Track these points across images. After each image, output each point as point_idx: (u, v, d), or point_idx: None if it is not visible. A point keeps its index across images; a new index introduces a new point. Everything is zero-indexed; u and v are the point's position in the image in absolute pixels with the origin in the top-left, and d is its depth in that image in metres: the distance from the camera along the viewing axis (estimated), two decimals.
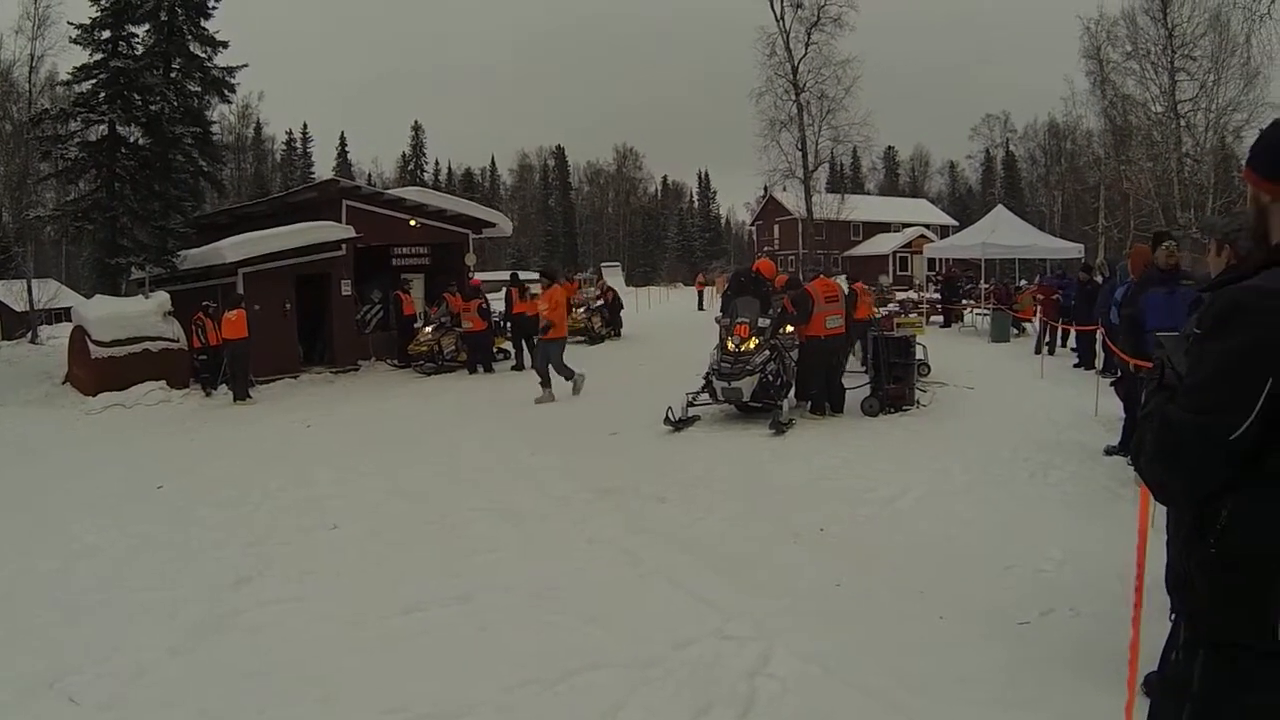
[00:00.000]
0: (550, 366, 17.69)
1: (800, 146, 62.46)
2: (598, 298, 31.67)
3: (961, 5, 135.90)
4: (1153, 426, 2.48)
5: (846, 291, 15.86)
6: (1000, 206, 38.83)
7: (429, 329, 23.96)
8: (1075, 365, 20.05)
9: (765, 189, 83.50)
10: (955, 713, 4.90)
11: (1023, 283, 37.13)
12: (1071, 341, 22.54)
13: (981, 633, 5.93)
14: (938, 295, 35.18)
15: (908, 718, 4.87)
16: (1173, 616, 2.99)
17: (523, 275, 28.19)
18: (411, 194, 28.31)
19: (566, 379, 17.73)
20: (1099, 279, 20.88)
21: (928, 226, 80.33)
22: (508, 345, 24.85)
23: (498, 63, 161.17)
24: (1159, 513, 5.33)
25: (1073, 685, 5.11)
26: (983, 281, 34.62)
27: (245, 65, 27.08)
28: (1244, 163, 2.60)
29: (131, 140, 25.02)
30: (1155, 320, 9.18)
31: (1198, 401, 2.34)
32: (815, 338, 14.40)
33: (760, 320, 14.53)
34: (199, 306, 22.08)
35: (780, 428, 13.30)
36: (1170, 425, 2.39)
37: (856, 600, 6.62)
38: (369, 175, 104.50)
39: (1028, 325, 27.80)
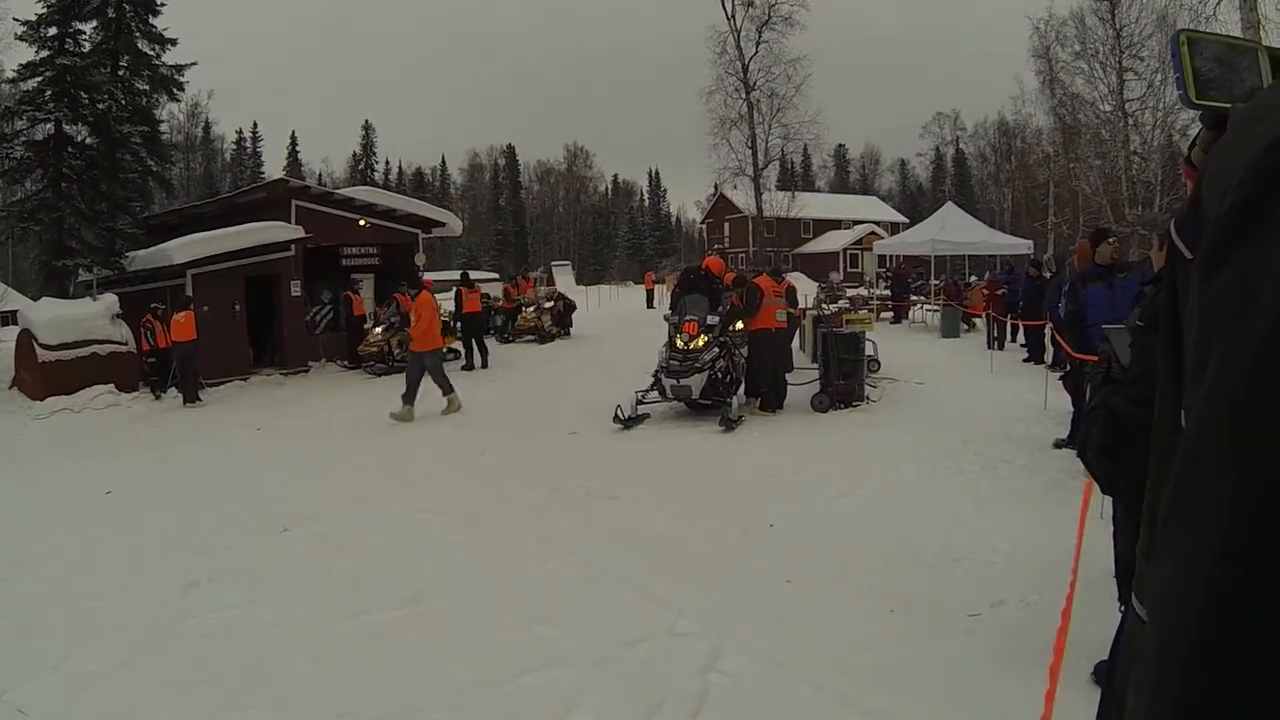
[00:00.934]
0: (431, 379, 16.13)
1: (750, 144, 62.81)
2: (548, 300, 31.58)
3: (911, 3, 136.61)
4: (1098, 420, 2.50)
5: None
6: (950, 204, 39.07)
7: (379, 330, 23.79)
8: (1025, 360, 20.22)
9: (716, 187, 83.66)
10: (907, 706, 4.93)
11: (973, 279, 37.37)
12: (1021, 337, 22.68)
13: (932, 626, 5.98)
14: (888, 291, 35.39)
15: (858, 712, 4.90)
16: (1121, 607, 3.02)
17: (473, 275, 28.23)
18: (361, 194, 28.13)
19: (446, 391, 16.34)
20: (1047, 274, 21.10)
21: (878, 223, 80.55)
22: (458, 345, 24.73)
23: (450, 62, 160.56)
24: (1106, 505, 5.40)
25: (1023, 676, 5.14)
26: (933, 278, 34.80)
27: (194, 63, 26.83)
28: (1183, 160, 2.61)
29: (78, 139, 24.72)
30: (1096, 315, 9.29)
31: (1142, 393, 2.36)
32: (765, 330, 14.51)
33: (709, 318, 14.57)
34: (147, 309, 21.88)
35: (729, 424, 13.38)
36: (1115, 418, 2.41)
37: (806, 596, 6.65)
38: (319, 175, 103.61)
39: (978, 321, 28.00)
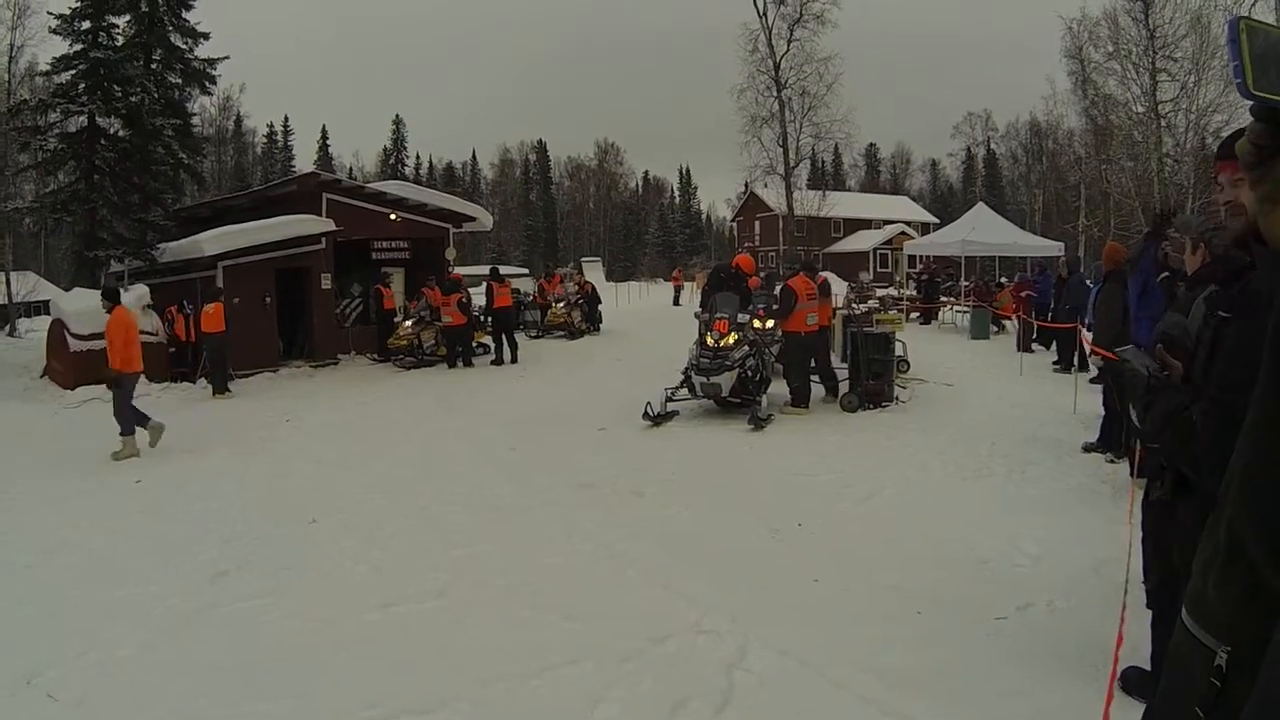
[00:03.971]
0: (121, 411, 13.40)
1: (781, 143, 62.77)
2: (577, 293, 31.65)
3: (943, 3, 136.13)
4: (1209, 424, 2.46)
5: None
6: (981, 204, 38.85)
7: (409, 323, 23.92)
8: (1055, 365, 19.90)
9: (746, 185, 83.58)
10: (932, 707, 4.90)
11: (1003, 280, 37.17)
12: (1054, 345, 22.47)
13: (958, 628, 5.95)
14: (915, 292, 35.26)
15: (884, 712, 4.88)
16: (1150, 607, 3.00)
17: (503, 270, 28.34)
18: (392, 188, 28.26)
19: (124, 431, 13.29)
20: (1064, 274, 21.16)
21: (909, 223, 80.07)
22: (488, 340, 24.84)
23: (481, 57, 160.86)
24: (1136, 510, 5.36)
25: (1050, 679, 5.13)
26: (963, 279, 34.64)
27: (226, 57, 27.11)
28: (1216, 157, 2.54)
29: (111, 132, 25.00)
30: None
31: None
32: (795, 334, 14.48)
33: (739, 316, 14.55)
34: (175, 302, 22.06)
35: (759, 423, 13.35)
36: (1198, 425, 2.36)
37: (833, 595, 6.63)
38: (350, 169, 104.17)
39: (1008, 323, 27.86)
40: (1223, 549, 1.71)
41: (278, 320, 23.89)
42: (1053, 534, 7.86)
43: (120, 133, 25.05)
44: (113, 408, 13.45)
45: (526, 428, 14.23)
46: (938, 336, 27.50)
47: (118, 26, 25.13)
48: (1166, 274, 8.97)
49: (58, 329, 20.90)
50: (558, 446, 12.73)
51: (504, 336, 23.90)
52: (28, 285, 39.21)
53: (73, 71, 24.34)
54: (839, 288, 30.66)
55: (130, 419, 13.43)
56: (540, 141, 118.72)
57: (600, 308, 32.11)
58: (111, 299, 13.96)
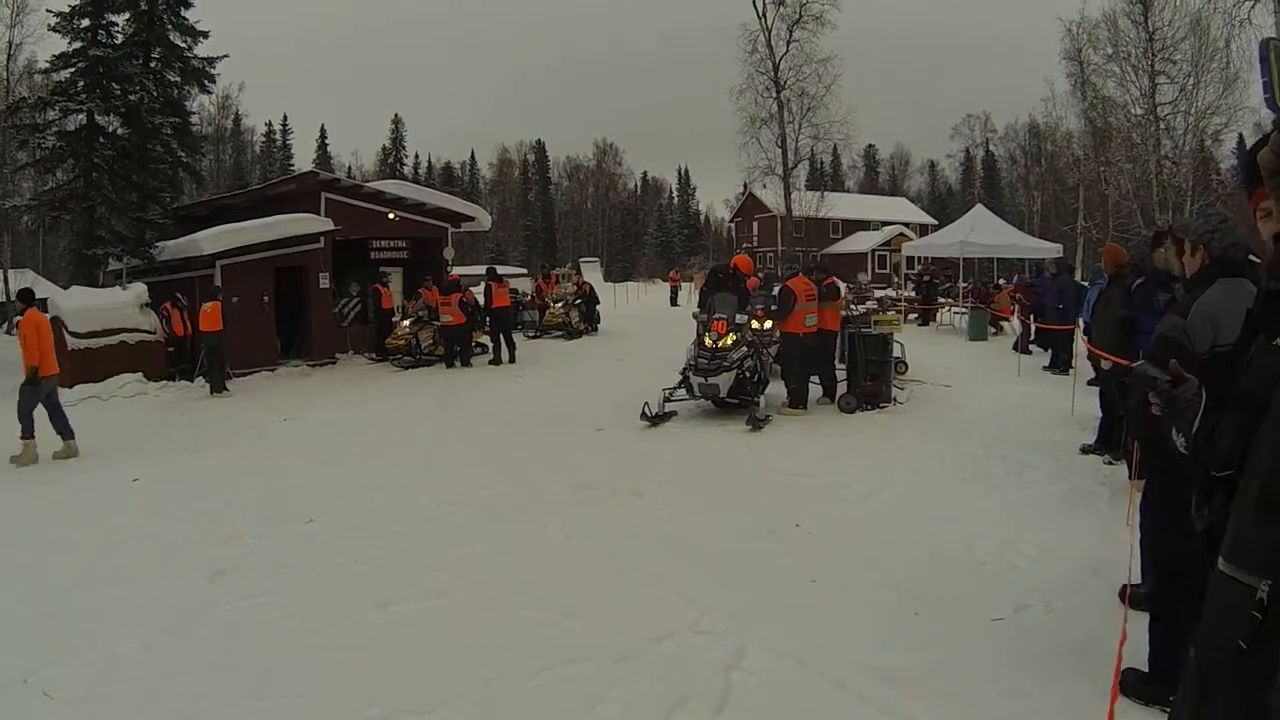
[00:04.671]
0: (17, 408, 13.12)
1: (780, 144, 62.71)
2: (575, 293, 31.64)
3: (943, 4, 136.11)
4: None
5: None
6: (979, 206, 38.82)
7: (406, 323, 23.89)
8: (1046, 368, 19.72)
9: (745, 186, 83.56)
10: (930, 707, 4.92)
11: (1001, 281, 37.16)
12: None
13: (956, 628, 5.96)
14: (913, 293, 35.23)
15: (882, 712, 4.89)
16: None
17: (501, 270, 28.33)
18: (391, 187, 28.26)
19: (24, 434, 13.01)
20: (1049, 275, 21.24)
21: (907, 225, 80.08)
22: (485, 339, 24.82)
23: (480, 57, 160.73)
24: (1134, 512, 5.38)
25: (1049, 680, 5.14)
26: (960, 280, 34.61)
27: (225, 56, 27.11)
28: (1242, 169, 2.56)
29: (110, 130, 25.00)
30: None
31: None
32: (794, 335, 14.46)
33: (738, 316, 14.55)
34: (169, 298, 22.06)
35: (757, 424, 13.35)
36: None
37: (831, 595, 6.64)
38: (349, 168, 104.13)
39: (1006, 324, 27.86)
40: (1254, 504, 1.91)
41: (276, 319, 23.89)
42: (1050, 535, 7.87)
43: (119, 131, 25.07)
44: (17, 407, 13.10)
45: (525, 428, 14.24)
46: (936, 338, 27.47)
47: (117, 24, 25.15)
48: (1141, 279, 9.00)
49: (55, 327, 20.85)
50: (556, 447, 12.73)
51: (502, 336, 23.87)
52: (25, 283, 39.07)
53: (72, 69, 24.38)
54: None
55: (31, 422, 13.09)
56: (539, 142, 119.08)
57: (598, 308, 32.08)
58: (25, 300, 13.92)
